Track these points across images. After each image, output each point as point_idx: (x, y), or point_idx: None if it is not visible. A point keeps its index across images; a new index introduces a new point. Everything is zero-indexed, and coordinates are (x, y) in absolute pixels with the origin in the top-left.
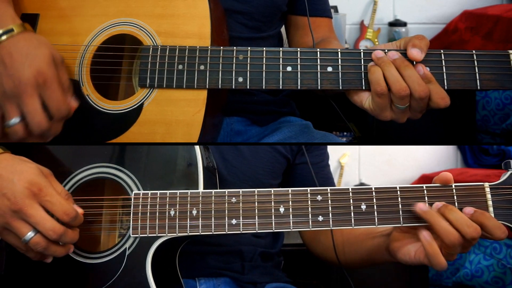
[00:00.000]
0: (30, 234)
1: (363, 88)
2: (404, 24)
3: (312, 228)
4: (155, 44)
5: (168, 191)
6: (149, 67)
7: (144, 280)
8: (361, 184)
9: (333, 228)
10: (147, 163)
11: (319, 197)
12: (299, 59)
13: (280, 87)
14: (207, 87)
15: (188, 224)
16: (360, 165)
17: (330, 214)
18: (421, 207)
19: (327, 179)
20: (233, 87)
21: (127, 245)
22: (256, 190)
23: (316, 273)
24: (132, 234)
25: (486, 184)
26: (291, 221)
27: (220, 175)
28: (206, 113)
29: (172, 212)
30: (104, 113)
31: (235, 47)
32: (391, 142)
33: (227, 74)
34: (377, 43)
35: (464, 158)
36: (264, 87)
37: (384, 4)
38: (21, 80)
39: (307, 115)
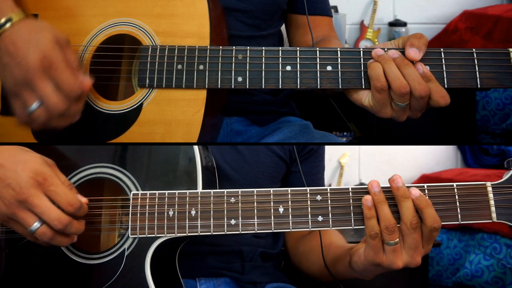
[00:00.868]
0: (36, 224)
1: (363, 87)
2: (404, 24)
3: (311, 228)
4: (154, 44)
5: (166, 191)
6: (148, 67)
7: (143, 281)
8: (361, 184)
9: (333, 228)
10: (146, 163)
11: (318, 197)
12: (298, 59)
13: (280, 87)
14: (206, 87)
15: (187, 225)
16: (360, 165)
17: (330, 214)
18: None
19: None
20: (233, 86)
21: (126, 246)
22: (255, 190)
23: None
24: (131, 235)
25: (488, 184)
26: (290, 221)
27: (220, 174)
28: (205, 113)
29: (170, 213)
30: (103, 113)
31: (234, 47)
32: (391, 142)
33: (227, 74)
34: (377, 43)
35: (464, 158)
36: (263, 87)
37: (384, 4)
38: (28, 66)
39: (307, 115)
